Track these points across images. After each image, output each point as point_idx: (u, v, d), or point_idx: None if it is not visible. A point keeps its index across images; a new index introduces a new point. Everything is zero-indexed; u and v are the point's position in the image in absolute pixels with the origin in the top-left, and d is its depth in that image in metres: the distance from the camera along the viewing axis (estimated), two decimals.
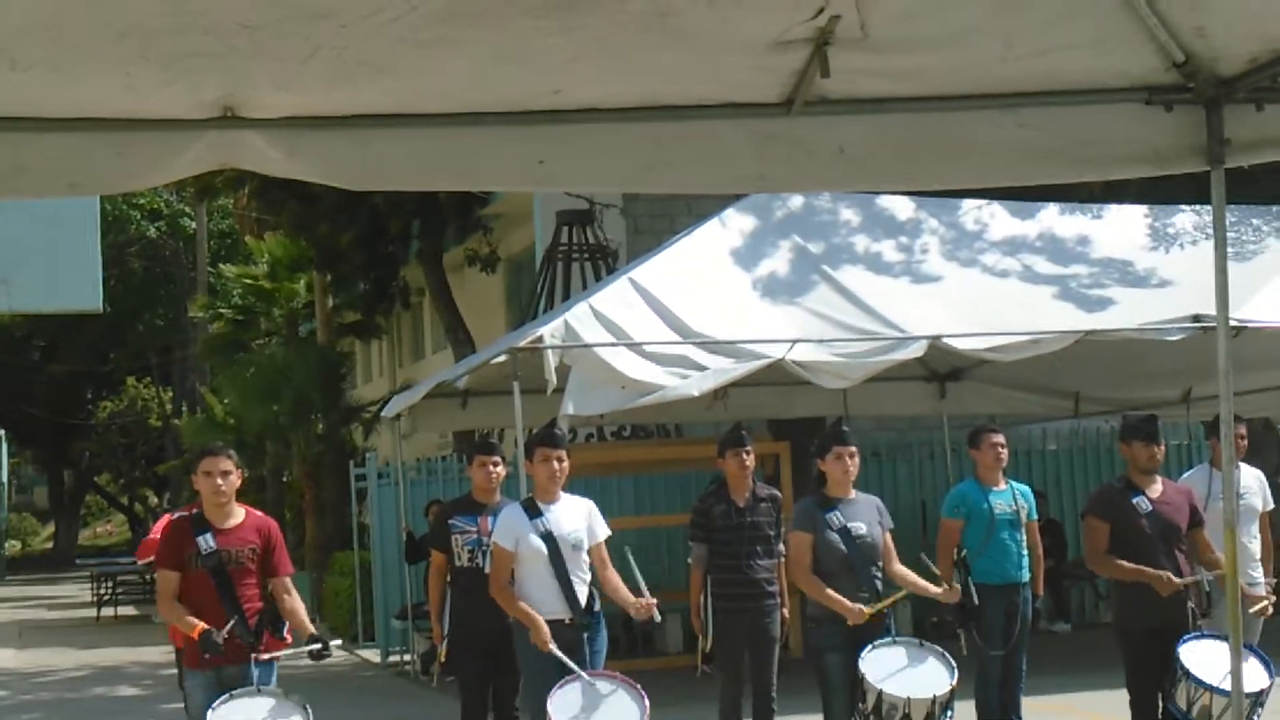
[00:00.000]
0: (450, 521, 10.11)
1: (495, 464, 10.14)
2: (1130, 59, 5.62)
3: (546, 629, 8.39)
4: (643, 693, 8.07)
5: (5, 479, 54.61)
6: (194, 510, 8.39)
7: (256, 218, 29.01)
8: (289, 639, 8.12)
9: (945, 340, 13.06)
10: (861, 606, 8.62)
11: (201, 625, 7.83)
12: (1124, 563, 8.89)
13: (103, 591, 32.19)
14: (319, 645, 8.05)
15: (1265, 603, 9.79)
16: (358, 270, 25.49)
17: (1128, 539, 8.92)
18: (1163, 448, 9.23)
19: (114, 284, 41.87)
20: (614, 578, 8.73)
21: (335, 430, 27.47)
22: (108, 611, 31.29)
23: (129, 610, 31.49)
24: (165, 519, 9.54)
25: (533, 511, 8.58)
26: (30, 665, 21.62)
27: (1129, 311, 13.74)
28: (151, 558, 9.17)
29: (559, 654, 8.34)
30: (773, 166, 5.84)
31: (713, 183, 6.38)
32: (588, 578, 8.64)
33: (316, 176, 5.72)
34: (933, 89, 5.73)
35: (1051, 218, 15.55)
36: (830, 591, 8.69)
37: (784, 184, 8.08)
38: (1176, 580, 8.75)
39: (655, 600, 8.64)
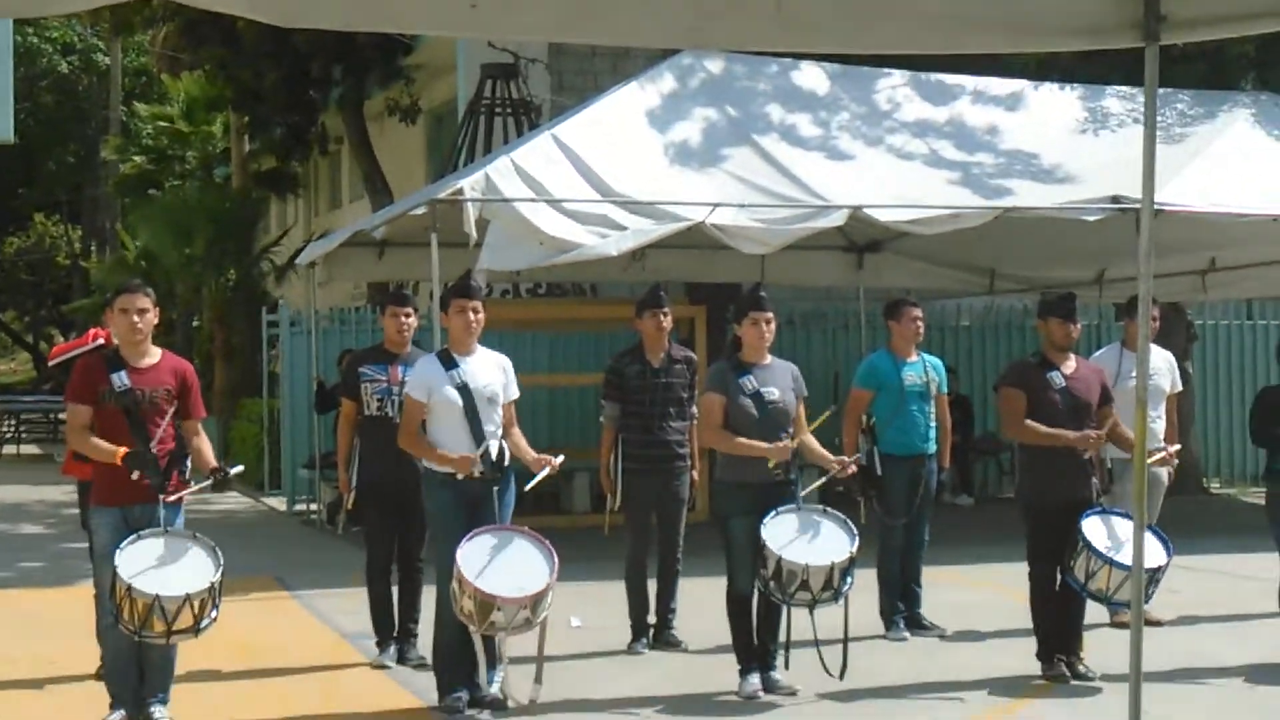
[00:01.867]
0: (360, 370, 10.03)
1: (407, 315, 10.04)
2: None
3: (465, 457, 8.31)
4: (551, 548, 8.09)
5: None
6: (107, 344, 8.26)
7: (173, 55, 28.45)
8: (190, 482, 8.03)
9: (866, 210, 13.05)
10: (784, 443, 8.62)
11: (124, 449, 7.74)
12: (1042, 427, 8.97)
13: (5, 430, 31.96)
14: (220, 474, 8.00)
15: (1165, 455, 9.88)
16: (276, 112, 25.08)
17: (1040, 413, 9.01)
18: (1079, 326, 9.31)
19: (24, 118, 41.03)
20: (518, 436, 8.69)
21: (248, 275, 27.17)
22: (10, 449, 31.08)
23: (32, 449, 31.28)
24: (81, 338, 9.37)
25: (448, 363, 8.51)
26: None
27: (1035, 199, 13.77)
28: (63, 357, 9.01)
29: (481, 469, 8.29)
30: (707, 20, 5.73)
31: (645, 35, 6.29)
32: (499, 432, 8.56)
33: (241, 10, 5.57)
34: None
35: (964, 106, 15.47)
36: (743, 440, 8.67)
37: (718, 38, 7.92)
38: (1099, 433, 8.89)
39: (561, 457, 8.65)
